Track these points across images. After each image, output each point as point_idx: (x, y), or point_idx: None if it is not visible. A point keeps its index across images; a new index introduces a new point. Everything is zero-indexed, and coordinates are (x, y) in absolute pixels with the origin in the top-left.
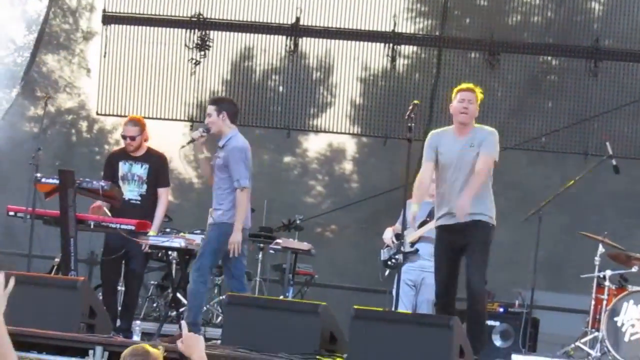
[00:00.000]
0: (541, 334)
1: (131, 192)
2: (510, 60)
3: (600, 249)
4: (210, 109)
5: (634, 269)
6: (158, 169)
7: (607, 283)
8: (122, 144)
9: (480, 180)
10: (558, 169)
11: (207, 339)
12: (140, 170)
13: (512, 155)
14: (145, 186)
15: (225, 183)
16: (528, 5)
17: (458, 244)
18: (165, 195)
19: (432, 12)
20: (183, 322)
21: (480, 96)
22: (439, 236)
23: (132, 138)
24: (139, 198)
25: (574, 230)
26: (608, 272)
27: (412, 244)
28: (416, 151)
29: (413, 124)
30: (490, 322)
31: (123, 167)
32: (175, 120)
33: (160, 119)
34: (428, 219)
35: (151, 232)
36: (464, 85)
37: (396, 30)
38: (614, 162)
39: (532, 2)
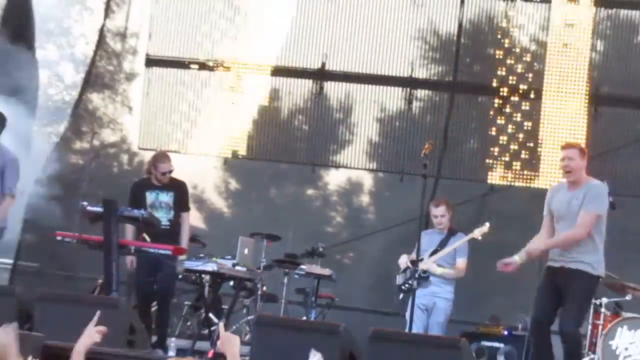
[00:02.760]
0: None
1: (161, 218)
2: (515, 104)
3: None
4: None
5: (628, 297)
6: (181, 195)
7: (603, 310)
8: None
9: (573, 236)
10: None
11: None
12: (167, 197)
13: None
14: (172, 212)
15: None
16: (531, 54)
17: (559, 285)
18: (187, 219)
19: (445, 60)
20: (221, 323)
21: (582, 149)
22: (545, 274)
23: (170, 172)
24: (168, 223)
25: None
26: (604, 300)
27: (425, 271)
28: (429, 186)
29: (427, 162)
30: (495, 344)
31: (150, 196)
32: (208, 155)
33: (194, 154)
34: (438, 249)
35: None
36: (563, 142)
37: (413, 76)
38: (610, 199)
39: (537, 51)
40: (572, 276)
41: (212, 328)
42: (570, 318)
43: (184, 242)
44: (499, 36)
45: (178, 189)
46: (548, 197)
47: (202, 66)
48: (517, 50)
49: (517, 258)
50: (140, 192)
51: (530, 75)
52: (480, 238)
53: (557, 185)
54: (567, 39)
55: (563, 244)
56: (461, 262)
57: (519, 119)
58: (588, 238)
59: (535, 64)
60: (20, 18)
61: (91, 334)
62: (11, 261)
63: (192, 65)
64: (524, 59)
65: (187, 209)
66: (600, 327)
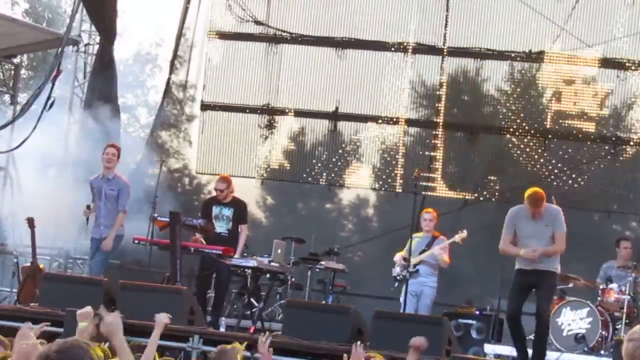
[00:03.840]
0: (505, 330)
1: (221, 227)
2: (485, 138)
3: None
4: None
5: (570, 285)
6: (240, 211)
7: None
8: (213, 193)
9: (560, 250)
10: None
11: (272, 331)
12: (228, 212)
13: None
14: (231, 223)
15: None
16: (499, 100)
17: (531, 282)
18: (244, 230)
19: (430, 104)
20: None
21: (543, 196)
22: (518, 275)
23: (222, 190)
24: (227, 232)
25: None
26: None
27: (415, 265)
28: (418, 201)
29: (417, 183)
30: (469, 321)
31: (215, 210)
32: (250, 177)
33: (239, 176)
34: (426, 248)
35: (236, 256)
36: (529, 192)
37: (406, 117)
38: None
39: (501, 98)
40: (543, 275)
41: (253, 310)
42: (544, 301)
43: (240, 246)
44: (472, 86)
45: (238, 205)
46: (512, 219)
47: (246, 109)
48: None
49: (522, 252)
50: (209, 206)
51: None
52: (460, 242)
53: (518, 210)
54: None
55: (552, 254)
56: (446, 258)
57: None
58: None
59: (499, 107)
60: (106, 76)
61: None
62: None
63: (237, 109)
64: (492, 102)
65: (245, 222)
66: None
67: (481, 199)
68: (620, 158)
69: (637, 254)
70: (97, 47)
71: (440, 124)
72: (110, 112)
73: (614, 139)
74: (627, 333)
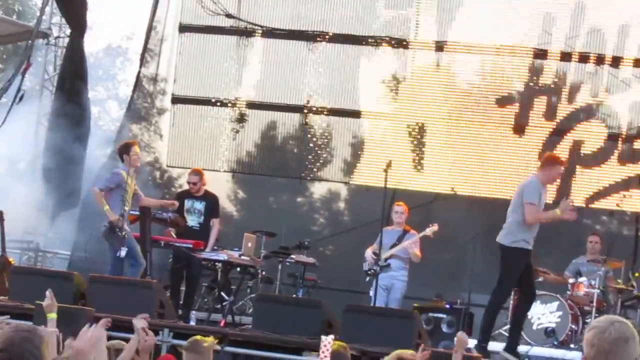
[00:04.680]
0: (475, 323)
1: (193, 221)
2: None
3: None
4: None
5: (540, 279)
6: (213, 205)
7: None
8: (186, 187)
9: None
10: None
11: (242, 324)
12: (200, 206)
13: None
14: (203, 217)
15: None
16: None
17: (528, 264)
18: (216, 225)
19: (402, 98)
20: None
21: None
22: (523, 255)
23: (194, 183)
24: (198, 226)
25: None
26: None
27: (386, 259)
28: (388, 195)
29: (388, 177)
30: (440, 315)
31: (187, 203)
32: (221, 171)
33: (210, 170)
34: (397, 242)
35: (207, 249)
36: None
37: (378, 111)
38: None
39: (471, 91)
40: (531, 255)
41: (224, 303)
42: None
43: (212, 241)
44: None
45: (210, 199)
46: (539, 189)
47: (216, 103)
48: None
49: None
50: (180, 199)
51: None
52: (432, 235)
53: (537, 181)
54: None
55: None
56: (417, 252)
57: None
58: None
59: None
60: (77, 69)
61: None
62: (69, 252)
63: (208, 103)
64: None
65: (217, 216)
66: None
67: (453, 192)
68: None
69: (608, 248)
70: (67, 40)
71: (411, 117)
72: (81, 105)
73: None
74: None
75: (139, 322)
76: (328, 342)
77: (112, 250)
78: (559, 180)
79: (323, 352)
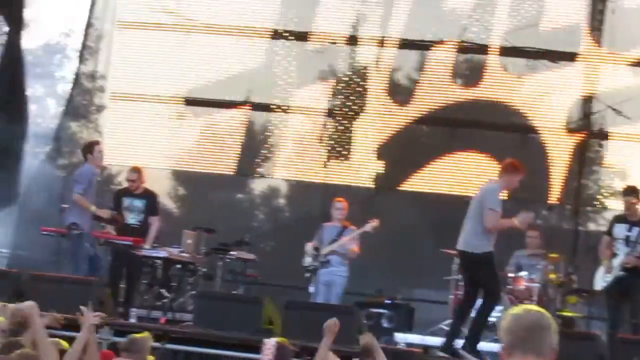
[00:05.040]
0: (416, 318)
1: (132, 219)
2: (396, 128)
3: (456, 260)
4: None
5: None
6: (152, 203)
7: (461, 283)
8: (125, 184)
9: None
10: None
11: (183, 321)
12: (139, 203)
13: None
14: (142, 215)
15: None
16: (409, 89)
17: None
18: (155, 222)
19: (346, 94)
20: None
21: None
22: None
23: (133, 181)
24: (138, 224)
25: (438, 248)
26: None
27: (326, 255)
28: (328, 191)
29: (328, 172)
30: (380, 310)
31: (126, 201)
32: (160, 168)
33: (150, 167)
34: (337, 238)
35: (146, 246)
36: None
37: (319, 107)
38: None
39: (412, 87)
40: None
41: (164, 300)
42: None
43: (150, 238)
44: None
45: (149, 197)
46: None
47: (156, 100)
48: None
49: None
50: (120, 197)
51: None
52: (372, 231)
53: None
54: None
55: None
56: (355, 248)
57: None
58: None
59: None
60: (15, 66)
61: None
62: (8, 250)
63: (147, 99)
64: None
65: (156, 214)
66: (459, 296)
67: (396, 188)
68: (530, 146)
69: (547, 242)
70: (4, 37)
71: (353, 113)
72: (19, 102)
73: (523, 128)
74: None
75: (91, 318)
76: (272, 345)
77: (80, 249)
78: None
79: (266, 354)
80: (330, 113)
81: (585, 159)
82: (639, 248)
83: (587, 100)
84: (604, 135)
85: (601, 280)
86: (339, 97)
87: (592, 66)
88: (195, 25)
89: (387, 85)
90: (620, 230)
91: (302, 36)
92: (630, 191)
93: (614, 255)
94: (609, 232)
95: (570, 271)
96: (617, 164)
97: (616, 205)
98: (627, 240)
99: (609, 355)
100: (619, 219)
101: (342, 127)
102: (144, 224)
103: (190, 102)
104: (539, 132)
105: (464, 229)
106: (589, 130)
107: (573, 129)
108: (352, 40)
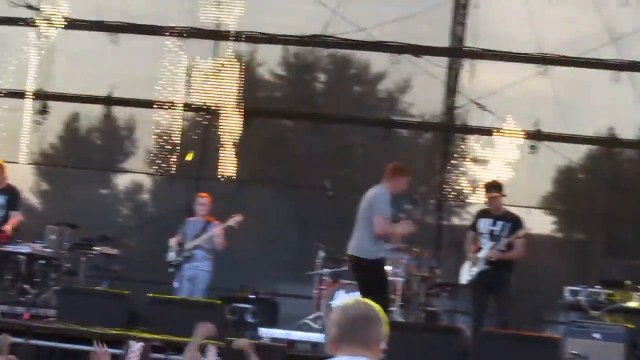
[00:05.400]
0: (280, 313)
1: None
2: (259, 122)
3: (321, 253)
4: None
5: (344, 268)
6: (13, 199)
7: (325, 278)
8: None
9: None
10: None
11: (46, 317)
12: (1, 199)
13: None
14: (4, 211)
15: None
16: (273, 84)
17: None
18: (15, 217)
19: (206, 89)
20: None
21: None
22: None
23: None
24: (0, 219)
25: (303, 240)
26: (326, 270)
27: (189, 250)
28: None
29: (192, 167)
30: (244, 305)
31: None
32: (23, 163)
33: (12, 162)
34: (200, 233)
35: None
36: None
37: (181, 102)
38: (330, 193)
39: (275, 82)
40: None
41: (27, 296)
42: None
43: (7, 228)
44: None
45: (10, 192)
46: (389, 200)
47: (18, 95)
48: None
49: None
50: None
51: None
52: (236, 226)
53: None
54: None
55: None
56: (220, 242)
57: None
58: None
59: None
60: None
61: None
62: None
63: (9, 94)
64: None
65: (17, 209)
66: (324, 291)
67: (260, 182)
68: (394, 141)
69: (411, 236)
70: None
71: (215, 108)
72: None
73: (387, 122)
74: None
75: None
76: (137, 349)
77: None
78: None
79: (130, 357)
80: (193, 107)
81: (448, 153)
82: (502, 242)
83: (451, 95)
84: (467, 130)
85: (466, 274)
86: (203, 91)
87: (456, 61)
88: (56, 21)
89: (251, 79)
90: (484, 224)
91: (162, 30)
92: (492, 186)
93: (479, 249)
94: (474, 227)
95: (434, 265)
96: (480, 158)
97: (479, 200)
98: (491, 235)
99: (473, 350)
100: (482, 214)
101: (206, 122)
102: (4, 220)
103: (53, 97)
104: (402, 126)
105: (355, 234)
106: (452, 125)
107: (436, 123)
108: (216, 35)
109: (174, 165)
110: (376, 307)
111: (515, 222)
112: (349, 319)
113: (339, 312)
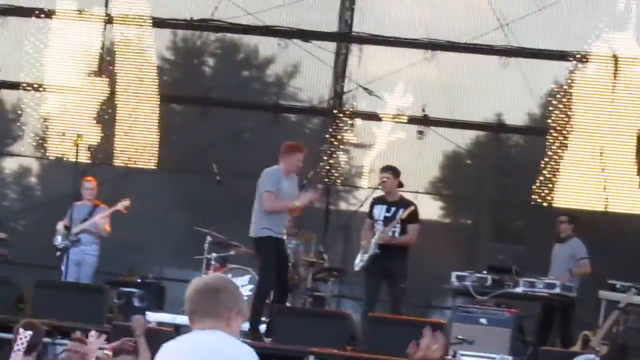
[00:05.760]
0: (167, 297)
1: None
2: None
3: (208, 238)
4: None
5: (232, 252)
6: None
7: (213, 262)
8: None
9: None
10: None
11: None
12: None
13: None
14: None
15: None
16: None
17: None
18: None
19: (97, 71)
20: None
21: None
22: (274, 243)
23: None
24: None
25: (191, 225)
26: (214, 255)
27: (76, 234)
28: (79, 170)
29: (79, 151)
30: (131, 289)
31: None
32: None
33: None
34: (88, 217)
35: None
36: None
37: (69, 84)
38: (218, 178)
39: (163, 66)
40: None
41: None
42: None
43: None
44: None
45: None
46: (279, 178)
47: None
48: None
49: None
50: None
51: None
52: (124, 210)
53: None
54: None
55: None
56: (107, 226)
57: None
58: None
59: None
60: None
61: None
62: None
63: None
64: None
65: None
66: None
67: (148, 167)
68: (282, 126)
69: (299, 221)
70: None
71: (103, 92)
72: None
73: (275, 107)
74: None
75: None
76: (24, 337)
77: None
78: None
79: (17, 345)
80: (83, 90)
81: (336, 138)
82: (392, 225)
83: (339, 80)
84: (355, 115)
85: (360, 260)
86: (93, 75)
87: (344, 46)
88: None
89: (139, 63)
90: (379, 211)
91: (50, 13)
92: (387, 168)
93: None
94: (370, 215)
95: (321, 250)
96: (368, 143)
97: (366, 184)
98: (385, 221)
99: (361, 334)
100: (378, 200)
101: (96, 105)
102: None
103: None
104: (291, 111)
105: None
106: (340, 110)
107: (324, 108)
108: (106, 17)
109: (62, 149)
110: (227, 279)
111: (408, 208)
112: (196, 292)
113: (189, 287)
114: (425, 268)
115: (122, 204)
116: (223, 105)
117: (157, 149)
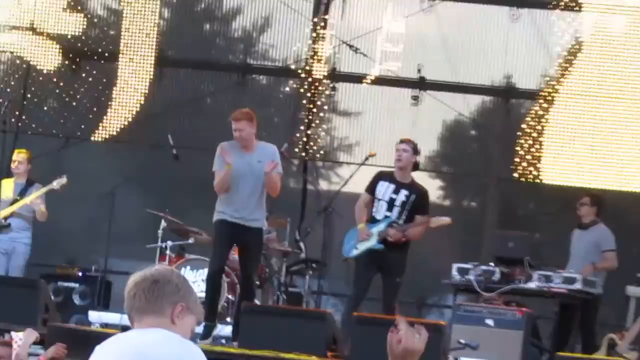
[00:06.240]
0: (113, 293)
1: None
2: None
3: (163, 223)
4: None
5: (190, 240)
6: None
7: (168, 252)
8: None
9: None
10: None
11: None
12: None
13: None
14: None
15: None
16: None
17: (234, 239)
18: None
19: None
20: None
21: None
22: (221, 226)
23: None
24: None
25: (142, 208)
26: (169, 243)
27: (5, 218)
28: (7, 142)
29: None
30: (70, 284)
31: None
32: None
33: None
34: (19, 198)
35: None
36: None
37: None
38: (174, 151)
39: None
40: (253, 233)
41: None
42: (254, 264)
43: None
44: None
45: None
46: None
47: None
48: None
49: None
50: None
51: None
52: (60, 189)
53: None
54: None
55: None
56: (43, 208)
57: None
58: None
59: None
60: None
61: None
62: None
63: None
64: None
65: None
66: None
67: (89, 138)
68: (251, 89)
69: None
70: None
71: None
72: None
73: (243, 67)
74: None
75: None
76: (19, 339)
77: None
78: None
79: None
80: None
81: (315, 105)
82: (403, 220)
83: (318, 36)
84: (337, 77)
85: (353, 247)
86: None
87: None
88: None
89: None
90: (384, 189)
91: None
92: (408, 140)
93: (372, 219)
94: (371, 190)
95: (297, 238)
96: (352, 110)
97: (351, 159)
98: (391, 203)
99: (344, 335)
100: (384, 176)
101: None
102: None
103: None
104: (260, 72)
105: None
106: (319, 71)
107: (301, 69)
108: None
109: None
110: (171, 270)
111: (421, 196)
112: (135, 285)
113: (129, 280)
114: (421, 260)
115: (59, 182)
116: (180, 65)
117: (102, 116)
